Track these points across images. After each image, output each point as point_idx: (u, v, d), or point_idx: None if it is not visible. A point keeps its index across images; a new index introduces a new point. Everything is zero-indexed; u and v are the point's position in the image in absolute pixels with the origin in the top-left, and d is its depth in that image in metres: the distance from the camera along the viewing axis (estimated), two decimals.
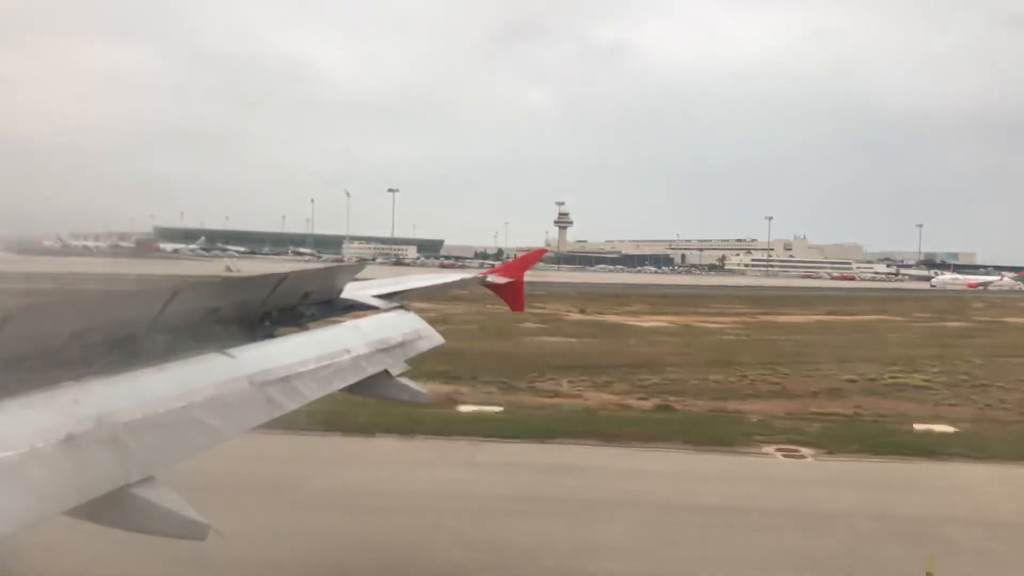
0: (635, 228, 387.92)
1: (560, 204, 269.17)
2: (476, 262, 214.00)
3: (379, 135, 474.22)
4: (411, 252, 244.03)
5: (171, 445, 3.78)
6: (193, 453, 3.90)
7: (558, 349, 37.35)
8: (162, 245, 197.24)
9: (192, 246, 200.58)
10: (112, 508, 3.34)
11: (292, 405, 4.82)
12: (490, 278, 11.47)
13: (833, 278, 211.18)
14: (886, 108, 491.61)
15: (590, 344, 39.95)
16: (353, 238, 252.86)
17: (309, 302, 6.43)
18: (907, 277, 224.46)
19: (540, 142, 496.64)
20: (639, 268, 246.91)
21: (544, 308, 59.45)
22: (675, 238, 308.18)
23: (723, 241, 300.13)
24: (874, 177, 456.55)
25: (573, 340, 41.46)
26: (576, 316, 56.31)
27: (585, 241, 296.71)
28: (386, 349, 6.35)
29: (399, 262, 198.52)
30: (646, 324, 52.33)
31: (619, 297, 77.09)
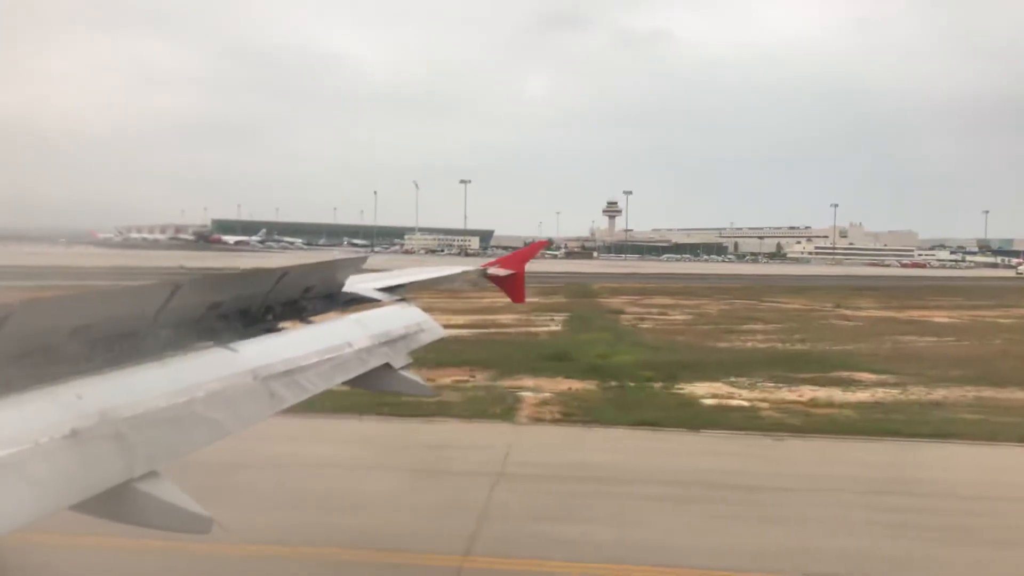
0: (675, 217, 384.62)
1: (628, 193, 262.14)
2: (549, 253, 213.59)
3: (417, 126, 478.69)
4: (474, 243, 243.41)
5: (174, 440, 3.81)
6: (196, 448, 3.93)
7: (961, 353, 33.05)
8: (224, 237, 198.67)
9: (255, 238, 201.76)
10: (116, 503, 3.38)
11: (295, 399, 4.84)
12: (491, 270, 11.41)
13: (903, 265, 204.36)
14: (927, 95, 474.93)
15: (973, 346, 35.70)
16: (418, 229, 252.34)
17: (311, 296, 6.44)
18: (973, 264, 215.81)
19: (576, 132, 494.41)
20: (705, 257, 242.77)
21: (789, 303, 58.10)
22: (727, 226, 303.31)
23: (775, 229, 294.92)
24: (915, 164, 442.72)
25: (944, 340, 37.74)
26: (851, 312, 52.24)
27: (631, 230, 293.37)
28: (388, 342, 6.36)
29: (464, 252, 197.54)
30: (939, 320, 48.66)
31: (804, 291, 72.69)
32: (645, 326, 41.10)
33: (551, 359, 26.39)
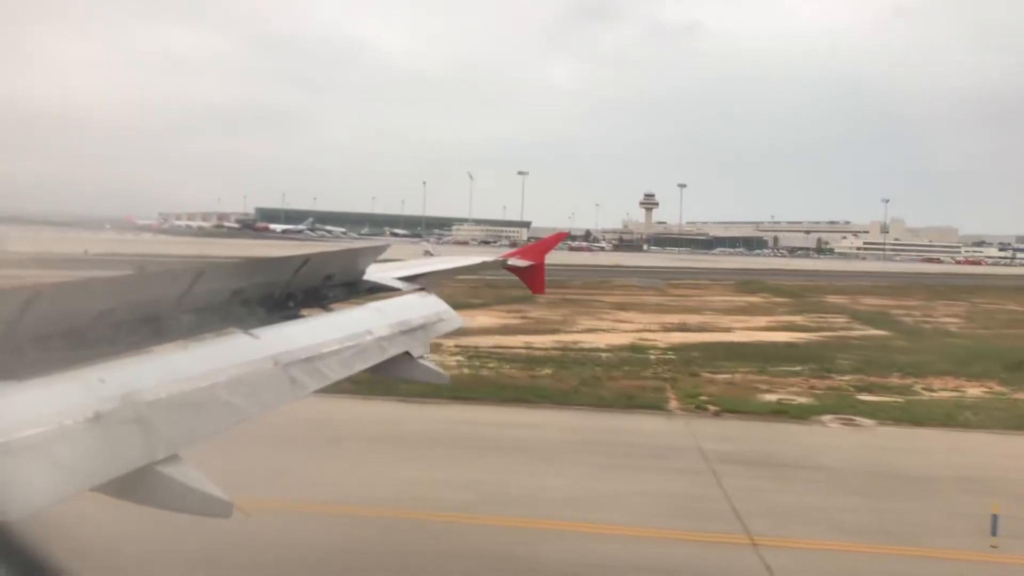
0: (705, 210, 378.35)
1: (682, 186, 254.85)
2: (597, 245, 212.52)
3: (449, 116, 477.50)
4: (523, 235, 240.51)
5: (196, 424, 3.85)
6: (217, 432, 3.97)
7: None
8: (272, 226, 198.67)
9: (302, 226, 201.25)
10: (138, 485, 3.42)
11: (315, 385, 4.88)
12: (511, 261, 11.32)
13: (958, 262, 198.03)
14: (960, 89, 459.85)
15: None
16: (470, 220, 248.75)
17: (332, 284, 6.49)
18: (1022, 261, 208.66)
19: (604, 124, 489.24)
20: (757, 252, 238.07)
21: (998, 303, 56.00)
22: (764, 220, 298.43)
23: (814, 223, 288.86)
24: (947, 158, 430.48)
25: None
26: None
27: (665, 223, 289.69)
28: (408, 331, 6.39)
29: (514, 244, 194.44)
30: None
31: (970, 291, 68.48)
32: (954, 330, 39.11)
33: (1013, 368, 25.21)
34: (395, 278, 7.72)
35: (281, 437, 14.29)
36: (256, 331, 4.84)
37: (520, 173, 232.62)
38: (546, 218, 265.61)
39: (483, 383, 21.34)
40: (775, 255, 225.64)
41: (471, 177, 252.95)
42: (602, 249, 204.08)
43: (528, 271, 11.27)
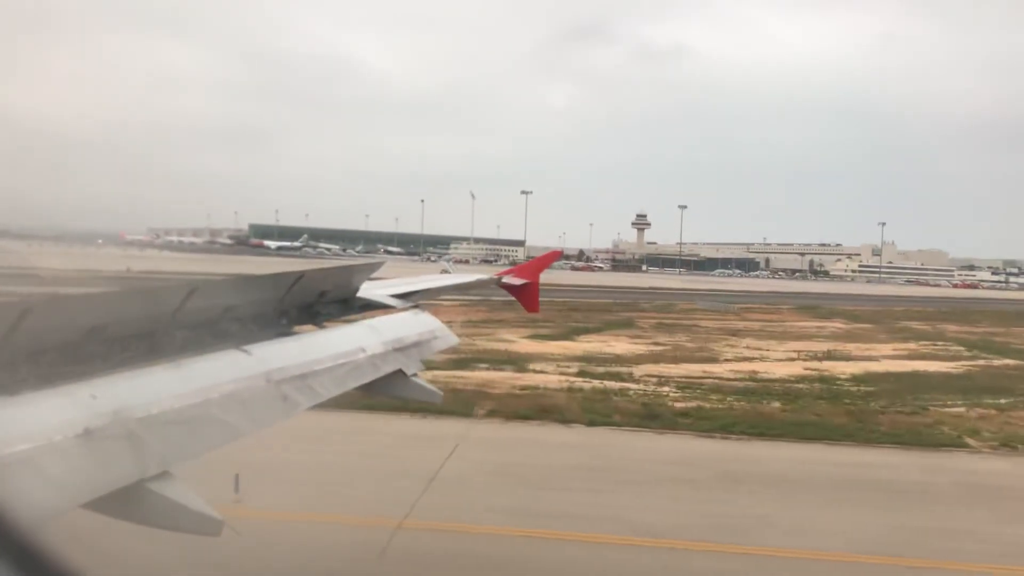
0: (695, 230, 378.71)
1: (683, 207, 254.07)
2: (596, 264, 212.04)
3: (435, 136, 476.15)
4: (520, 253, 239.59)
5: (187, 441, 3.82)
6: (209, 449, 3.94)
7: None
8: (266, 243, 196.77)
9: (296, 244, 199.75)
10: (128, 502, 3.39)
11: (308, 403, 4.85)
12: (506, 279, 11.38)
13: (955, 286, 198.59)
14: (949, 114, 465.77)
15: None
16: (472, 239, 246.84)
17: (326, 301, 6.45)
18: (1017, 285, 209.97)
19: (592, 145, 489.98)
20: (755, 273, 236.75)
21: None
22: (755, 241, 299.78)
23: (805, 245, 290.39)
24: (930, 181, 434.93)
25: None
26: None
27: (656, 243, 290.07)
28: (401, 348, 6.38)
29: (513, 263, 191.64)
30: None
31: (1015, 316, 67.62)
32: None
33: None
34: (389, 296, 7.70)
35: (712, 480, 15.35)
36: (249, 348, 4.81)
37: (523, 192, 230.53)
38: (537, 237, 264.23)
39: (757, 418, 20.54)
40: (774, 277, 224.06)
41: (473, 196, 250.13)
42: (600, 269, 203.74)
43: (522, 290, 11.32)
